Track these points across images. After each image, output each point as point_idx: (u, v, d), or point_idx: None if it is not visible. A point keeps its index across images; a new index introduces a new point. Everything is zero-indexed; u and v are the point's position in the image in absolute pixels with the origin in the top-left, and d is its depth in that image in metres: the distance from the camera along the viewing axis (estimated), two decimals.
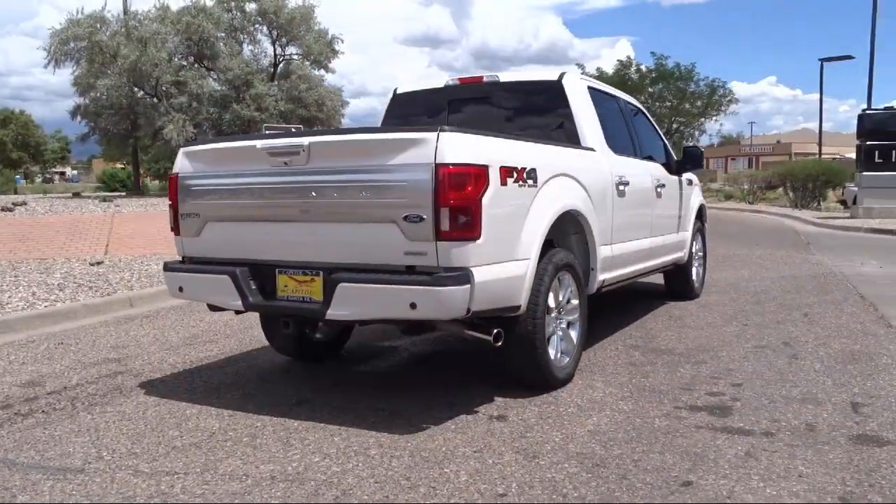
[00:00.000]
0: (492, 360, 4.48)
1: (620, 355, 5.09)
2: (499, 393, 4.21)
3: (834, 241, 14.55)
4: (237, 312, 4.30)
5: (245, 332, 6.19)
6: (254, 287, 3.96)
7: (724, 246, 12.75)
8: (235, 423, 3.82)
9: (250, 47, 27.20)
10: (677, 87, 39.89)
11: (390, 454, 3.32)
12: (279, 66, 27.37)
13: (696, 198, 7.41)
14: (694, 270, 7.41)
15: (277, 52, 27.41)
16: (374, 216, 3.55)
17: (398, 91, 5.79)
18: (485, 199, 3.49)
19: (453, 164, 3.38)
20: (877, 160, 20.02)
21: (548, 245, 4.10)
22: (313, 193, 3.70)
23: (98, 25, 24.07)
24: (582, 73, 6.06)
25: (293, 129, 11.78)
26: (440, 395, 4.22)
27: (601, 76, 37.83)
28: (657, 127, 6.96)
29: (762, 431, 3.52)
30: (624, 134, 5.70)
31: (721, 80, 44.73)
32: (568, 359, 4.36)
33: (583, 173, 4.56)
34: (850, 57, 37.10)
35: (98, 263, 10.13)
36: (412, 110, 5.66)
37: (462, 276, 3.40)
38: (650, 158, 6.18)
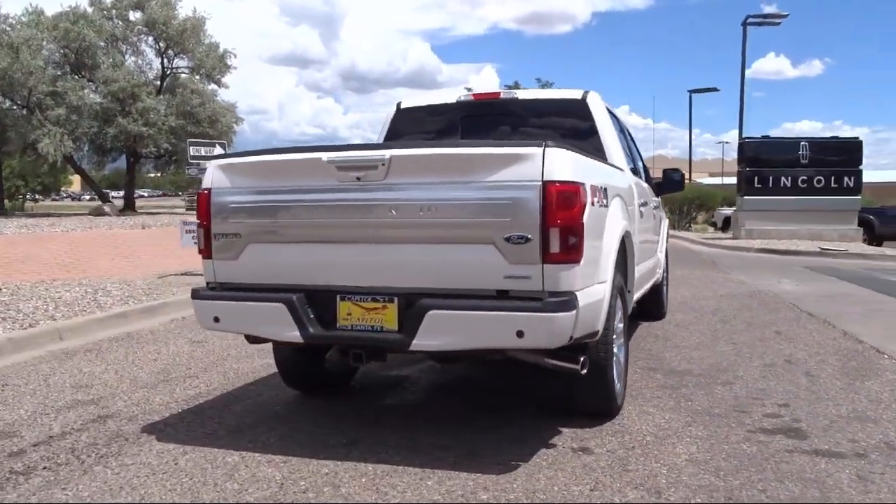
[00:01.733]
0: (513, 385, 4.26)
1: (645, 379, 5.01)
2: (558, 423, 3.99)
3: (735, 260, 15.44)
4: (285, 345, 3.83)
5: (221, 365, 5.63)
6: (312, 316, 3.53)
7: None
8: (297, 469, 3.37)
9: (133, 58, 25.57)
10: None
11: (504, 497, 3.02)
12: (167, 80, 25.86)
13: (665, 220, 7.55)
14: (664, 291, 7.53)
15: (165, 65, 25.90)
16: (468, 237, 3.25)
17: (402, 105, 5.48)
18: (584, 219, 3.29)
19: (560, 182, 3.16)
20: (756, 185, 21.51)
21: None
22: (392, 212, 3.35)
23: None
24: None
25: (217, 145, 11.06)
26: (498, 428, 3.94)
27: None
28: (638, 147, 7.03)
29: (853, 453, 3.51)
30: (629, 154, 5.69)
31: None
32: (620, 384, 4.22)
33: (625, 194, 4.47)
34: (715, 89, 40.13)
35: None
36: (419, 126, 5.37)
37: (571, 301, 3.18)
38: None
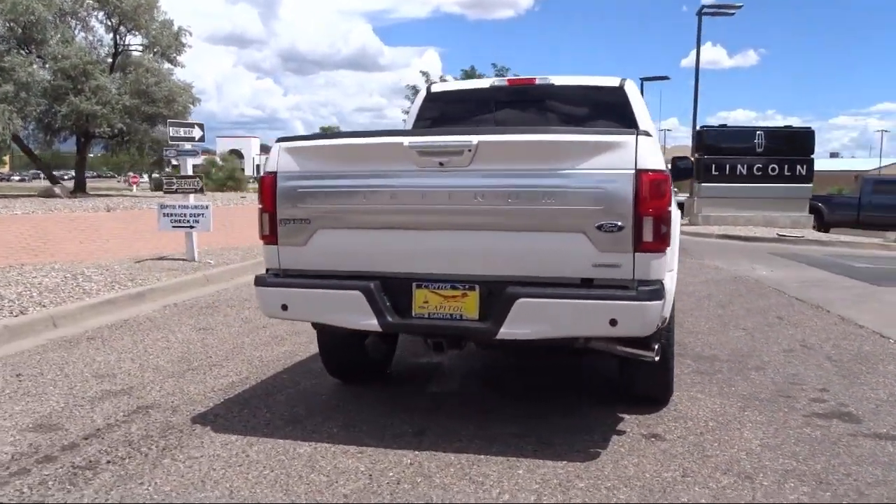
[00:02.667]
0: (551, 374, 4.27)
1: (678, 365, 5.02)
2: (614, 409, 4.03)
3: (702, 246, 15.77)
4: (358, 333, 3.74)
5: (241, 353, 5.49)
6: (388, 304, 3.46)
7: None
8: (378, 460, 3.31)
9: (83, 34, 24.49)
10: None
11: (602, 486, 3.03)
12: (119, 57, 24.85)
13: None
14: None
15: (118, 42, 24.86)
16: (557, 225, 3.22)
17: (432, 89, 5.40)
18: (671, 208, 3.31)
19: (652, 171, 3.17)
20: (713, 172, 22.03)
21: None
22: (478, 199, 3.29)
23: None
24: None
25: (196, 126, 10.71)
26: (556, 416, 3.95)
27: None
28: None
29: None
30: None
31: None
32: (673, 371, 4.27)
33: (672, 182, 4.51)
34: (666, 77, 40.83)
35: None
36: (451, 111, 5.28)
37: (661, 289, 3.20)
38: None
